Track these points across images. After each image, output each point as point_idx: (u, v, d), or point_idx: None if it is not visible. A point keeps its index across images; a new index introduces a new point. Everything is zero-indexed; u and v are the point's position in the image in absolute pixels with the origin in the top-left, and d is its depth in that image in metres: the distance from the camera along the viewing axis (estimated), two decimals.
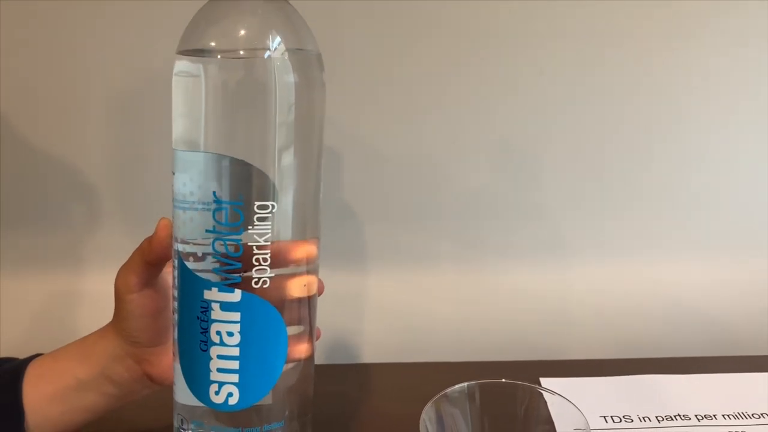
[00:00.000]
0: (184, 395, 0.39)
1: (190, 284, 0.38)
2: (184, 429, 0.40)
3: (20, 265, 0.66)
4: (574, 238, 0.70)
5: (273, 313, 0.38)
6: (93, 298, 0.66)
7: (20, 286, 0.66)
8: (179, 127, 0.39)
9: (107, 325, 0.45)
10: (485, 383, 0.49)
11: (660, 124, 0.68)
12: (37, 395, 0.43)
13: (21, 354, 0.47)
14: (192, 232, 0.38)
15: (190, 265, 0.38)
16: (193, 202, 0.37)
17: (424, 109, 0.66)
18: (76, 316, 0.67)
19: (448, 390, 0.48)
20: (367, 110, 0.65)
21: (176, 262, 0.39)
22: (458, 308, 0.70)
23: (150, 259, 0.41)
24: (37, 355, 0.46)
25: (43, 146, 0.64)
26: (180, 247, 0.38)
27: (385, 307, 0.70)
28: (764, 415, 0.58)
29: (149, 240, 0.41)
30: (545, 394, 0.48)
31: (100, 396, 0.44)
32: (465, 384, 0.48)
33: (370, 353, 0.71)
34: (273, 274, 0.38)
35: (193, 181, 0.38)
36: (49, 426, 0.44)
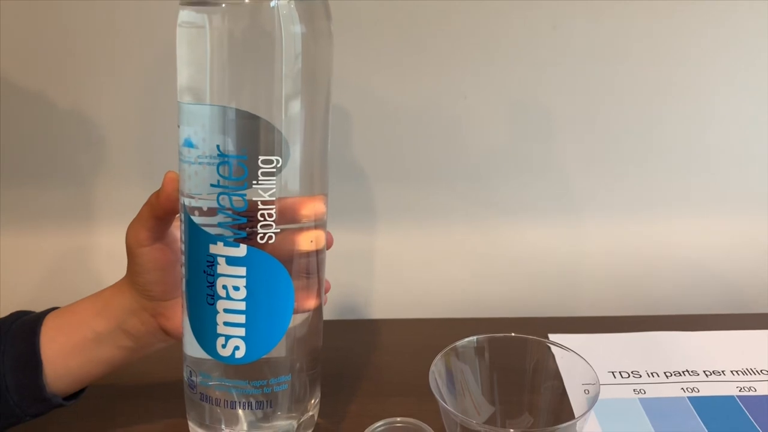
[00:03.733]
0: (192, 348, 0.38)
1: (197, 239, 0.36)
2: (193, 381, 0.38)
3: (32, 220, 0.65)
4: (586, 196, 0.67)
5: (279, 268, 0.36)
6: (106, 252, 0.65)
7: (33, 240, 0.65)
8: (184, 78, 0.37)
9: (122, 279, 0.43)
10: (494, 337, 0.48)
11: (675, 81, 0.64)
12: (55, 347, 0.42)
13: (34, 309, 0.45)
14: (197, 186, 0.36)
15: (196, 219, 0.36)
16: (198, 156, 0.36)
17: (436, 65, 0.63)
18: (89, 270, 0.66)
19: (458, 343, 0.47)
20: (378, 66, 0.62)
21: (183, 216, 0.37)
22: (468, 265, 0.68)
23: (158, 213, 0.39)
24: (54, 308, 0.44)
25: (52, 99, 0.62)
26: (186, 201, 0.37)
27: (394, 264, 0.68)
28: None
29: (157, 194, 0.39)
30: (554, 349, 0.47)
31: (117, 349, 0.43)
32: (474, 338, 0.47)
33: (380, 310, 0.69)
34: (279, 230, 0.36)
35: (197, 134, 0.35)
36: (67, 377, 0.43)
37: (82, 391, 0.45)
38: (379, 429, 0.43)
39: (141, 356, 0.44)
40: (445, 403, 0.41)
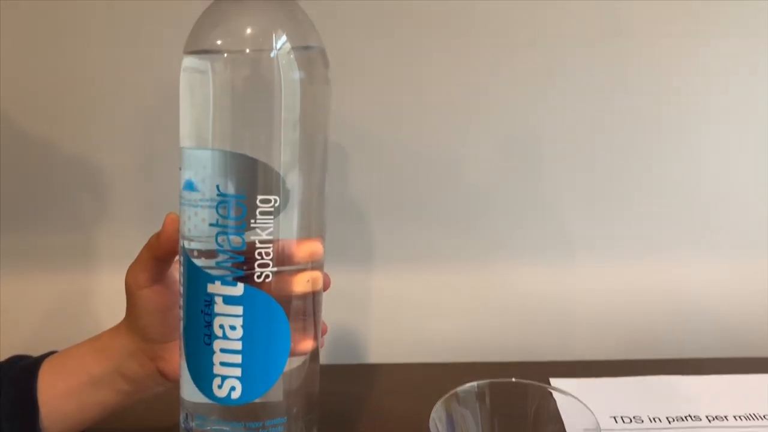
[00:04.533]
0: (189, 390, 0.37)
1: (195, 278, 0.36)
2: (188, 424, 0.38)
3: (32, 264, 0.65)
4: (583, 237, 0.67)
5: (275, 307, 0.36)
6: (104, 295, 0.65)
7: (32, 284, 0.65)
8: (186, 123, 0.37)
9: (120, 323, 0.43)
10: (495, 382, 0.47)
11: (668, 124, 0.65)
12: (52, 391, 0.42)
13: (33, 353, 0.45)
14: (197, 226, 0.36)
15: (195, 259, 0.36)
16: (198, 198, 0.36)
17: (432, 107, 0.64)
18: (87, 314, 0.66)
19: (459, 389, 0.46)
20: (374, 107, 0.63)
21: (182, 257, 0.37)
22: (467, 308, 0.68)
23: (158, 255, 0.39)
24: (52, 352, 0.44)
25: (54, 144, 0.63)
26: (185, 242, 0.37)
27: (391, 306, 0.68)
28: None
29: (157, 235, 0.39)
30: (555, 394, 0.46)
31: (114, 392, 0.43)
32: (475, 383, 0.47)
33: (377, 353, 0.68)
34: (276, 269, 0.36)
35: (198, 176, 0.36)
36: (63, 422, 0.43)
37: None
38: None
39: (137, 400, 0.43)
40: None
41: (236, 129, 0.36)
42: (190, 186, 0.36)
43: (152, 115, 0.62)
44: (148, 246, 0.40)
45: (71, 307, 0.65)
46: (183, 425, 0.38)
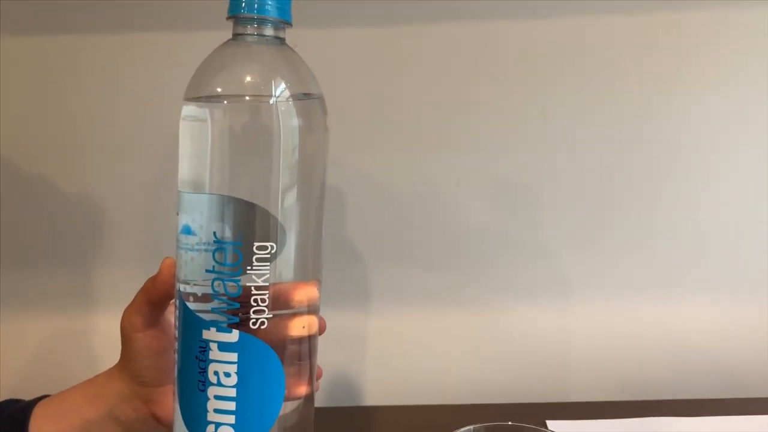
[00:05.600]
0: None
1: (190, 324, 0.36)
2: None
3: (26, 305, 0.64)
4: (579, 279, 0.67)
5: (270, 354, 0.35)
6: (103, 336, 0.65)
7: (25, 325, 0.64)
8: (184, 168, 0.37)
9: (114, 366, 0.43)
10: (492, 426, 0.46)
11: (665, 165, 0.66)
12: None
13: (26, 395, 0.45)
14: (193, 272, 0.36)
15: (190, 304, 0.36)
16: (195, 242, 0.36)
17: (428, 149, 0.64)
18: (84, 354, 0.65)
19: None
20: (370, 150, 0.64)
21: (178, 302, 0.37)
22: (463, 349, 0.68)
23: (154, 299, 0.39)
24: (44, 396, 0.43)
25: (54, 186, 0.63)
26: (182, 287, 0.37)
27: (388, 348, 0.67)
28: None
29: (153, 279, 0.39)
30: None
31: None
32: (471, 427, 0.45)
33: (373, 396, 0.68)
34: (271, 315, 0.35)
35: (195, 221, 0.36)
36: None
37: None
38: None
39: None
40: None
41: (234, 175, 0.36)
42: (187, 230, 0.36)
43: (153, 159, 0.63)
44: (144, 290, 0.40)
45: (67, 348, 0.65)
46: None
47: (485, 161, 0.65)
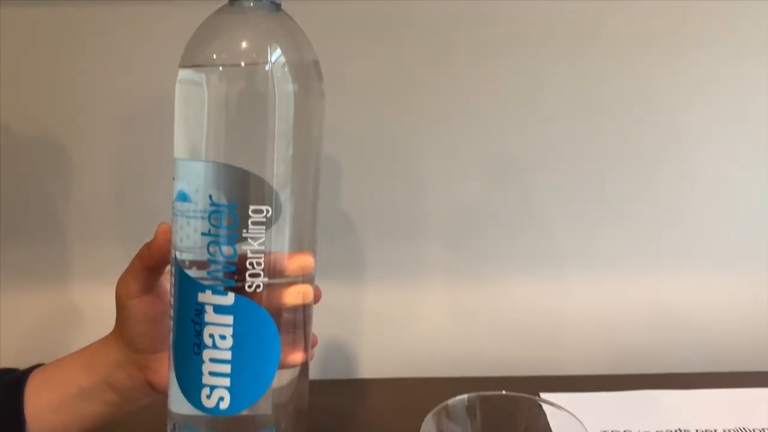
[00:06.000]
0: (177, 402, 0.37)
1: (186, 287, 0.36)
2: None
3: (16, 280, 0.64)
4: (573, 252, 0.67)
5: (266, 317, 0.35)
6: (88, 312, 0.64)
7: (16, 300, 0.64)
8: (180, 135, 0.37)
9: (109, 334, 0.43)
10: (486, 395, 0.46)
11: (659, 138, 0.65)
12: (39, 404, 0.41)
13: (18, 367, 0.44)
14: (189, 236, 0.36)
15: (186, 268, 0.36)
16: (191, 208, 0.36)
17: (422, 122, 0.64)
18: (72, 331, 0.65)
19: (449, 402, 0.45)
20: (365, 124, 0.63)
21: (173, 267, 0.37)
22: (457, 322, 0.68)
23: (149, 264, 0.39)
24: (39, 365, 0.43)
25: (41, 159, 0.62)
26: (177, 252, 0.37)
27: (382, 320, 0.67)
28: (765, 430, 0.55)
29: (149, 245, 0.39)
30: (545, 407, 0.45)
31: (102, 404, 0.42)
32: (465, 396, 0.46)
33: (367, 368, 0.68)
34: (267, 280, 0.35)
35: (191, 187, 0.36)
36: None
37: None
38: None
39: (125, 412, 0.43)
40: None
41: (230, 141, 0.36)
42: (182, 197, 0.36)
43: (140, 131, 0.62)
44: (140, 256, 0.40)
45: (54, 324, 0.65)
46: None
47: (480, 135, 0.64)
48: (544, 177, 0.65)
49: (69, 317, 0.65)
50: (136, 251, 0.40)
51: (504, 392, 0.47)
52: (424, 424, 0.43)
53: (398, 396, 0.60)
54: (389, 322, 0.67)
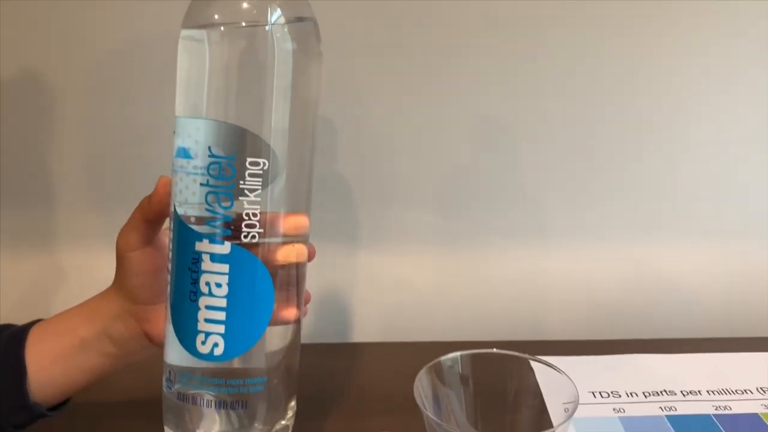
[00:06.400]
0: (173, 352, 0.38)
1: (184, 236, 0.37)
2: (171, 384, 0.38)
3: (8, 243, 0.64)
4: (559, 220, 0.68)
5: (260, 267, 0.36)
6: (73, 276, 0.65)
7: (9, 263, 0.64)
8: (182, 92, 0.38)
9: (110, 287, 0.43)
10: (478, 353, 0.48)
11: (650, 113, 0.66)
12: (40, 355, 0.42)
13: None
14: (188, 187, 0.37)
15: (185, 218, 0.37)
16: (190, 164, 0.36)
17: (414, 90, 0.64)
18: (66, 291, 0.65)
19: (442, 358, 0.46)
20: (358, 91, 0.63)
21: (173, 221, 0.38)
22: (447, 288, 0.68)
23: (149, 217, 0.40)
24: (39, 320, 0.44)
25: (25, 120, 0.62)
26: (177, 205, 0.37)
27: (373, 286, 0.68)
28: (747, 391, 0.56)
29: (149, 198, 0.40)
30: (535, 365, 0.47)
31: (101, 356, 0.42)
32: (458, 353, 0.47)
33: (359, 332, 0.69)
34: (262, 230, 0.36)
35: (191, 141, 0.37)
36: (52, 386, 0.42)
37: (66, 402, 0.44)
38: None
39: (123, 365, 0.43)
40: (430, 413, 0.41)
41: (230, 99, 0.37)
42: (182, 153, 0.37)
43: (131, 93, 0.61)
44: (140, 208, 0.40)
45: (47, 287, 0.65)
46: (165, 387, 0.38)
47: (472, 104, 0.64)
48: (534, 146, 0.66)
49: (54, 280, 0.65)
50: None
51: (495, 350, 0.48)
52: (417, 380, 0.44)
53: (389, 359, 0.61)
54: (380, 287, 0.68)
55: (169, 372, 0.38)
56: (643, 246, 0.69)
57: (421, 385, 0.44)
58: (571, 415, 0.41)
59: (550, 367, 0.46)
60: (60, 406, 0.44)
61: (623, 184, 0.67)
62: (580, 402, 0.48)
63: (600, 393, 0.56)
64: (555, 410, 0.44)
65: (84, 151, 0.63)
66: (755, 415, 0.53)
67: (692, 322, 0.70)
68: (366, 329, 0.69)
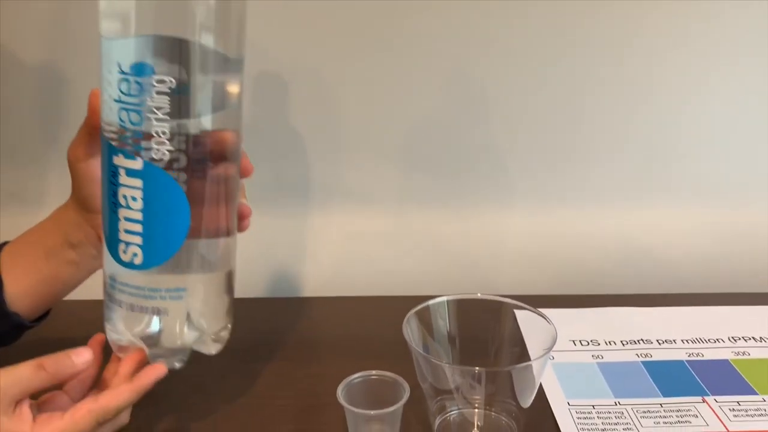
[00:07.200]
0: (106, 260, 0.40)
1: (105, 151, 0.39)
2: (110, 286, 0.40)
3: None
4: (549, 185, 0.67)
5: (172, 184, 0.37)
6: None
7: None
8: (103, 14, 0.38)
9: (69, 198, 0.46)
10: (461, 299, 0.49)
11: (638, 78, 0.63)
12: (14, 268, 0.45)
13: None
14: (105, 102, 0.38)
15: (106, 134, 0.39)
16: (105, 78, 0.38)
17: (382, 42, 0.61)
18: None
19: (430, 302, 0.48)
20: (318, 39, 0.61)
21: (100, 134, 0.39)
22: (402, 245, 0.68)
23: (89, 129, 0.42)
24: (6, 242, 0.47)
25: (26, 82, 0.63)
26: (102, 121, 0.39)
27: (326, 242, 0.68)
28: (720, 340, 0.57)
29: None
30: (517, 311, 0.47)
31: (64, 264, 0.45)
32: (445, 298, 0.49)
33: (311, 288, 0.69)
34: (173, 148, 0.37)
35: (106, 58, 0.38)
36: (27, 298, 0.45)
37: (46, 314, 0.47)
38: (356, 381, 0.45)
39: (88, 274, 0.46)
40: (419, 349, 0.43)
41: (140, 17, 0.36)
42: (103, 69, 0.38)
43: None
44: (84, 122, 0.42)
45: None
46: (104, 291, 0.41)
47: (442, 57, 0.61)
48: (504, 106, 0.63)
49: None
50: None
51: (479, 294, 0.49)
52: (405, 322, 0.45)
53: (344, 312, 0.62)
54: (333, 243, 0.68)
55: (107, 275, 0.41)
56: (616, 206, 0.67)
57: (410, 327, 0.46)
58: (548, 350, 0.43)
59: (532, 311, 0.46)
60: (40, 319, 0.47)
61: (591, 143, 0.65)
62: (560, 349, 0.54)
63: (580, 341, 0.57)
64: (535, 352, 0.46)
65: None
66: (726, 361, 0.54)
67: (661, 279, 0.68)
68: (317, 285, 0.69)
